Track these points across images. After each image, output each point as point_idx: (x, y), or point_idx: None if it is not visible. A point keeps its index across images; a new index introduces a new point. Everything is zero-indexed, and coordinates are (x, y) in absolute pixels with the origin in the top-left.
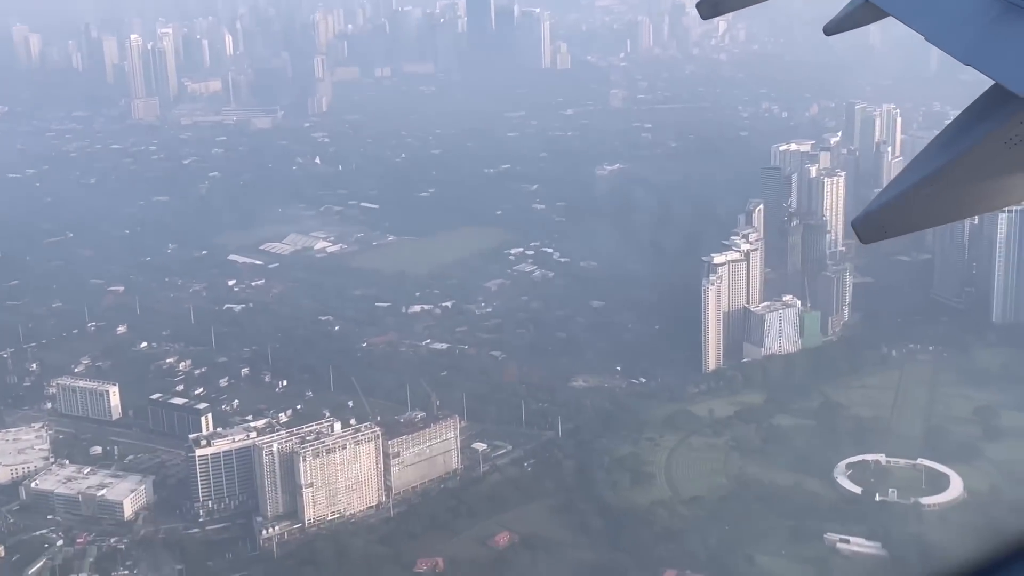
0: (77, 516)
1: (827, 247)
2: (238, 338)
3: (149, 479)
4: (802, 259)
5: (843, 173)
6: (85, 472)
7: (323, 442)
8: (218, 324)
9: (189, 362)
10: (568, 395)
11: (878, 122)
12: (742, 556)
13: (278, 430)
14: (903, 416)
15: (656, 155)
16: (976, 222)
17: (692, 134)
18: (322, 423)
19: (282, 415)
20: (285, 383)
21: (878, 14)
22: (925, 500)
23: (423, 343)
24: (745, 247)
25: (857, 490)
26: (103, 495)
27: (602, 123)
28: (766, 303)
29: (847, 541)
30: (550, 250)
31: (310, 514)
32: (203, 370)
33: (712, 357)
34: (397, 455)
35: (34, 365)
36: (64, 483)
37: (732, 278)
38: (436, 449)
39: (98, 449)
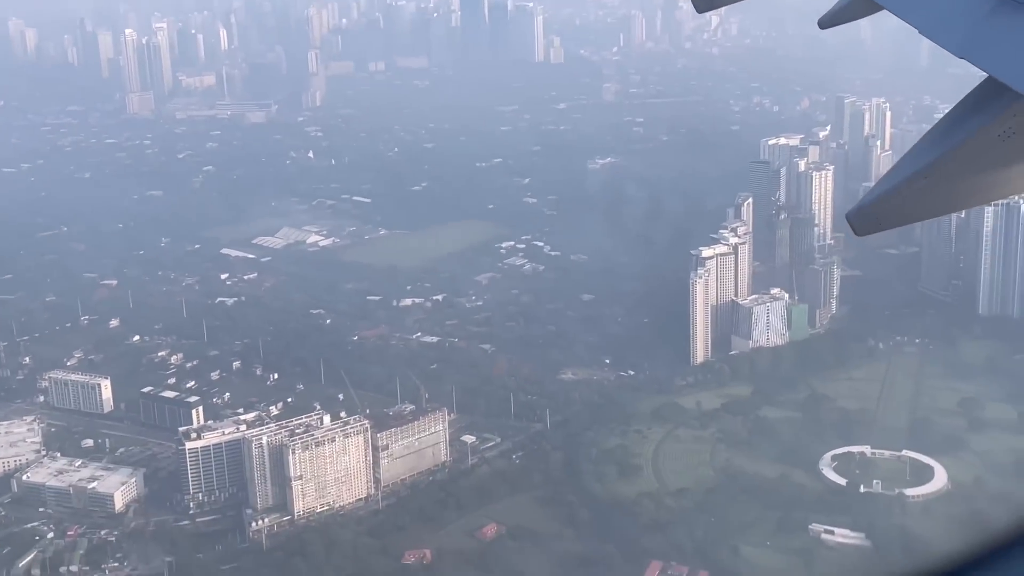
0: (68, 509)
1: (815, 240)
2: (230, 331)
3: (140, 472)
4: (790, 252)
5: (832, 167)
6: (76, 465)
7: (312, 435)
8: (210, 317)
9: (181, 355)
10: (557, 388)
11: (867, 116)
12: (727, 547)
13: (268, 423)
14: (889, 408)
15: (648, 149)
16: (963, 216)
17: (683, 128)
18: (311, 416)
19: (273, 408)
20: (276, 376)
21: (873, 8)
22: (909, 491)
23: (414, 336)
24: (733, 240)
25: (842, 481)
26: (94, 488)
27: (594, 117)
28: (754, 296)
29: (831, 532)
30: (541, 244)
31: (299, 506)
32: (195, 363)
33: (700, 350)
34: (386, 448)
35: (27, 358)
36: (55, 476)
37: (720, 271)
38: (425, 442)
39: (89, 442)
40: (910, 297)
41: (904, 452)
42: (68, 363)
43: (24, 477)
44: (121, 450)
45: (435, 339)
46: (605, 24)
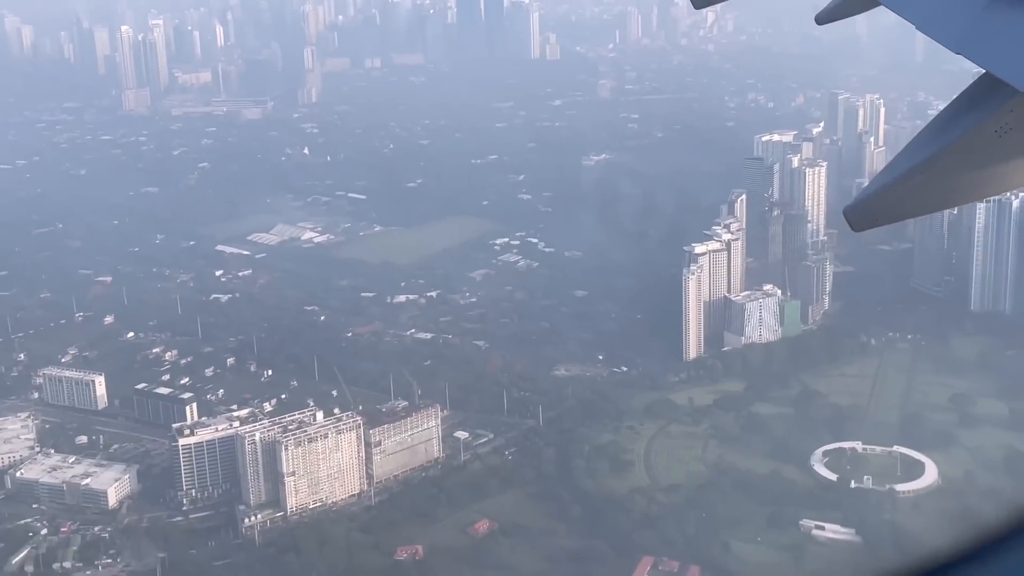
0: (62, 505)
1: (808, 237)
2: (224, 328)
3: (133, 468)
4: (783, 249)
5: (825, 163)
6: (70, 461)
7: (305, 431)
8: (204, 314)
9: (175, 352)
10: (550, 384)
11: (861, 112)
12: (718, 543)
13: (261, 419)
14: (880, 404)
15: (642, 146)
16: (955, 212)
17: (678, 124)
18: (305, 412)
19: (267, 404)
20: (270, 373)
21: (870, 3)
22: (900, 487)
23: (407, 333)
24: (726, 237)
25: (833, 477)
26: (88, 484)
27: (590, 114)
28: (747, 292)
29: (822, 528)
30: (535, 240)
31: (292, 502)
32: (189, 360)
33: (693, 346)
34: (379, 444)
35: (21, 355)
36: (49, 472)
37: (713, 267)
38: (418, 438)
39: (83, 438)
40: (902, 293)
41: (895, 448)
42: (62, 359)
43: (18, 473)
44: (115, 446)
45: (429, 335)
46: (601, 21)
